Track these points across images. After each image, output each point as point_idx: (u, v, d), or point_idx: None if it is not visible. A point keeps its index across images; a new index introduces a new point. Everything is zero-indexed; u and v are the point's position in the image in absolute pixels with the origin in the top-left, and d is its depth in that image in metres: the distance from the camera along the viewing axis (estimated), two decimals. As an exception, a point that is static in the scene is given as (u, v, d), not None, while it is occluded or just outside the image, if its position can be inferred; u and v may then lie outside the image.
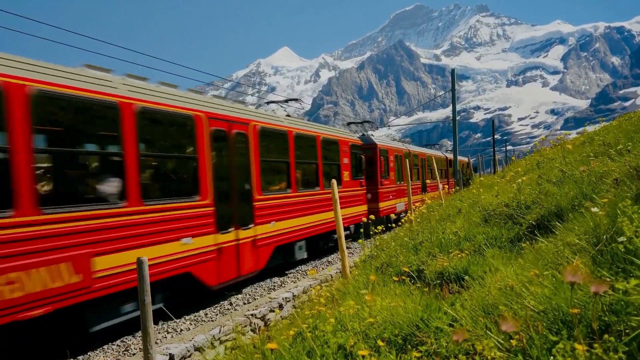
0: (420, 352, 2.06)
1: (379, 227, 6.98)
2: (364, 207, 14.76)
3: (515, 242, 3.88)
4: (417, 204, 14.33)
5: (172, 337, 6.69)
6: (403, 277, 3.85)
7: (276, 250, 9.92)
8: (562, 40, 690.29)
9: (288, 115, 12.13)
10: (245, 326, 7.03)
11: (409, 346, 2.18)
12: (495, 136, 40.63)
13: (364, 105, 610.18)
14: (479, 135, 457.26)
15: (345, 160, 13.39)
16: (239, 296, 8.75)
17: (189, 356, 5.85)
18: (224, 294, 8.77)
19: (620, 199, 2.96)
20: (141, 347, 5.93)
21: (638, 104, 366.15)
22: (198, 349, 6.12)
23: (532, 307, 1.85)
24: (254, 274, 8.83)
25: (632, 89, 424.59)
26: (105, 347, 6.43)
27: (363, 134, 17.76)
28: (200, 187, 7.57)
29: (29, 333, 5.47)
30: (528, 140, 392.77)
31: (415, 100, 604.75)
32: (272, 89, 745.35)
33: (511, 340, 1.65)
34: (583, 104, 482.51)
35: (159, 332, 6.92)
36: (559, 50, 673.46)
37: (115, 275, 5.98)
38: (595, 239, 2.33)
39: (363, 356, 1.99)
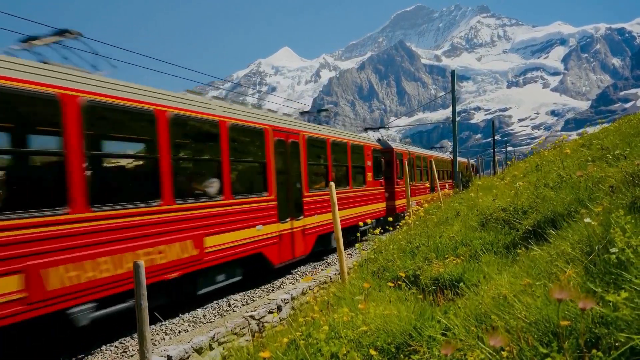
0: (413, 360, 2.06)
1: (377, 230, 7.53)
2: (383, 205, 16.68)
3: (512, 248, 3.87)
4: (425, 202, 15.67)
5: (170, 338, 6.68)
6: (399, 282, 3.85)
7: (318, 239, 11.69)
8: (563, 42, 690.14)
9: (319, 123, 14.55)
10: (244, 327, 7.03)
11: (402, 355, 2.18)
12: (496, 137, 40.67)
13: (364, 105, 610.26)
14: (479, 136, 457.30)
15: (369, 163, 15.37)
16: (238, 297, 8.76)
17: (187, 358, 5.85)
18: (222, 295, 8.81)
19: (615, 207, 2.96)
20: (140, 348, 5.97)
21: (639, 105, 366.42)
22: (196, 351, 6.13)
23: (523, 318, 1.86)
24: (304, 257, 10.26)
25: (633, 91, 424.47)
26: (104, 348, 6.42)
27: (379, 139, 19.48)
28: (268, 185, 9.55)
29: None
30: (528, 141, 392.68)
31: (415, 101, 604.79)
32: (273, 89, 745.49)
33: (502, 352, 1.65)
34: (583, 105, 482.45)
35: (157, 334, 6.91)
36: (559, 51, 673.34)
37: (215, 252, 7.94)
38: (588, 247, 2.33)
39: (356, 365, 2.00)
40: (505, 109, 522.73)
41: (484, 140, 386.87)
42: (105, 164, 6.77)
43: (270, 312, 7.65)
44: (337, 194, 11.31)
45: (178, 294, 7.66)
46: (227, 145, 8.35)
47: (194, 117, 7.72)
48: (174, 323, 7.32)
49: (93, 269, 5.81)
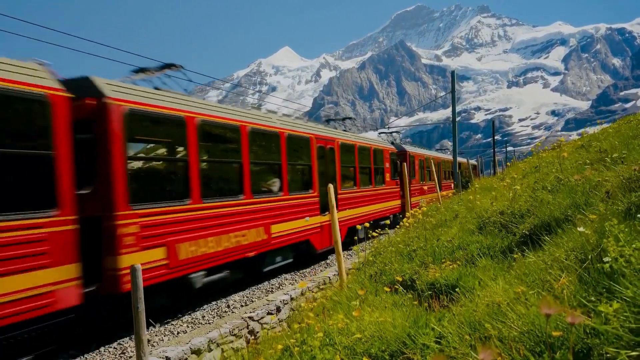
0: (407, 368, 2.06)
1: (376, 232, 7.99)
2: (399, 202, 18.69)
3: (508, 252, 3.87)
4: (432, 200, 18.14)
5: (168, 339, 6.67)
6: (396, 287, 3.84)
7: (348, 230, 13.52)
8: (563, 42, 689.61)
9: (345, 130, 16.58)
10: (242, 329, 7.03)
11: (396, 363, 2.18)
12: (496, 137, 40.69)
13: (364, 105, 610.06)
14: (479, 136, 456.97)
15: (387, 165, 17.42)
16: (237, 298, 8.76)
17: (186, 359, 5.85)
18: (221, 296, 8.82)
19: (611, 214, 2.96)
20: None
21: (639, 105, 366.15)
22: (195, 352, 6.13)
23: (516, 328, 1.86)
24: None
25: (633, 91, 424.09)
26: (102, 349, 6.42)
27: (393, 142, 21.69)
28: (313, 184, 11.66)
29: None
30: (528, 141, 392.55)
31: (416, 101, 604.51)
32: (273, 89, 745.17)
33: (494, 362, 1.65)
34: (584, 105, 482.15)
35: (156, 335, 6.91)
36: (560, 51, 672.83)
37: (278, 237, 9.95)
38: (583, 255, 2.33)
39: (349, 372, 2.00)
40: (506, 109, 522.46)
41: (484, 140, 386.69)
42: (210, 168, 8.53)
43: (269, 313, 7.65)
44: (362, 191, 14.92)
45: (250, 270, 9.62)
46: (285, 152, 10.42)
47: (264, 130, 9.83)
48: (172, 324, 7.33)
49: (203, 246, 7.73)
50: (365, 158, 15.36)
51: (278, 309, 7.89)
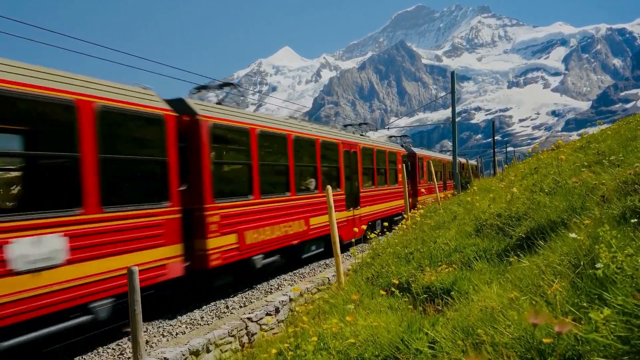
0: (400, 373, 2.06)
1: (374, 233, 8.41)
2: (410, 200, 20.64)
3: (504, 256, 3.87)
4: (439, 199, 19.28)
5: (167, 340, 6.67)
6: (392, 289, 3.85)
7: (369, 224, 14.90)
8: (564, 42, 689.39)
9: (362, 135, 17.97)
10: (241, 330, 7.03)
11: (389, 368, 2.18)
12: (496, 137, 40.76)
13: (364, 105, 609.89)
14: (479, 136, 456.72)
15: (399, 166, 19.29)
16: (235, 299, 8.76)
17: (184, 360, 5.85)
18: (220, 297, 8.84)
19: (607, 217, 2.97)
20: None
21: (639, 106, 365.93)
22: (193, 353, 6.13)
23: (507, 334, 1.86)
24: (360, 237, 12.37)
25: (634, 91, 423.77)
26: (101, 350, 6.43)
27: (402, 145, 23.75)
28: (340, 183, 13.30)
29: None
30: (529, 141, 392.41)
31: (416, 101, 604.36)
32: (274, 89, 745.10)
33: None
34: (584, 105, 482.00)
35: (155, 336, 6.91)
36: (560, 51, 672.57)
37: (314, 229, 11.65)
38: (577, 260, 2.33)
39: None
40: (506, 109, 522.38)
41: (485, 141, 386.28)
42: (266, 170, 10.02)
43: (268, 314, 7.66)
44: (379, 190, 16.84)
45: (292, 257, 11.11)
46: (319, 155, 12.11)
47: (303, 137, 11.56)
48: (171, 325, 7.33)
49: (262, 234, 9.44)
50: (381, 160, 17.23)
51: (277, 310, 7.89)
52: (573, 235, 2.41)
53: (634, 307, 1.48)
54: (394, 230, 10.61)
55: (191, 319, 7.60)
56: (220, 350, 6.55)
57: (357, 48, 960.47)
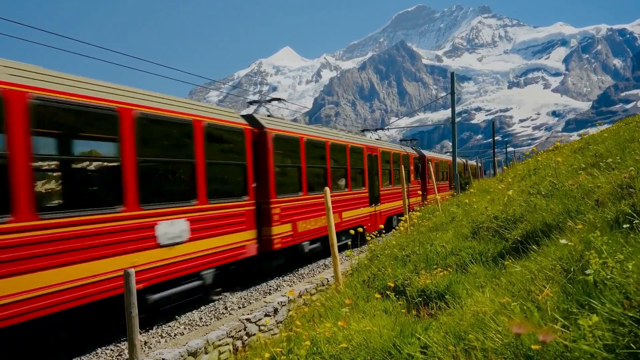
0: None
1: (373, 234, 8.72)
2: (420, 199, 22.59)
3: (498, 259, 3.87)
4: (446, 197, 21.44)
5: (165, 341, 6.68)
6: (388, 292, 3.85)
7: (387, 219, 17.48)
8: (564, 42, 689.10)
9: (378, 139, 20.41)
10: (240, 331, 7.03)
11: (381, 372, 2.18)
12: (497, 137, 40.81)
13: (365, 105, 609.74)
14: (480, 136, 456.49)
15: (412, 167, 21.84)
16: (234, 300, 8.77)
17: (182, 361, 5.85)
18: (220, 298, 8.85)
19: (600, 222, 2.97)
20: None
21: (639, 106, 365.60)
22: (192, 354, 6.13)
23: (498, 339, 1.86)
24: (381, 229, 14.19)
25: (634, 91, 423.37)
26: (99, 351, 6.43)
27: (414, 147, 26.30)
28: (364, 183, 15.36)
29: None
30: (529, 141, 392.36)
31: (416, 101, 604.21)
32: (274, 89, 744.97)
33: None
34: (584, 106, 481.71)
35: (153, 337, 6.92)
36: (560, 52, 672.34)
37: (345, 221, 13.62)
38: (569, 265, 2.33)
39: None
40: (506, 110, 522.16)
41: (485, 141, 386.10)
42: (310, 171, 11.95)
43: (267, 315, 7.66)
44: (396, 189, 19.06)
45: (328, 245, 12.02)
46: (349, 159, 14.20)
47: (337, 144, 13.54)
48: (170, 326, 7.33)
49: (308, 224, 11.49)
50: (397, 162, 19.54)
51: (275, 311, 7.89)
52: (563, 241, 2.41)
53: (620, 315, 1.48)
54: (393, 231, 11.26)
55: (190, 320, 7.60)
56: (219, 351, 6.56)
57: (357, 48, 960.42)
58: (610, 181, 3.85)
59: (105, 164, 6.85)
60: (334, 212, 11.71)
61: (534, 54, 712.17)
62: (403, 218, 9.51)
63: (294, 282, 10.36)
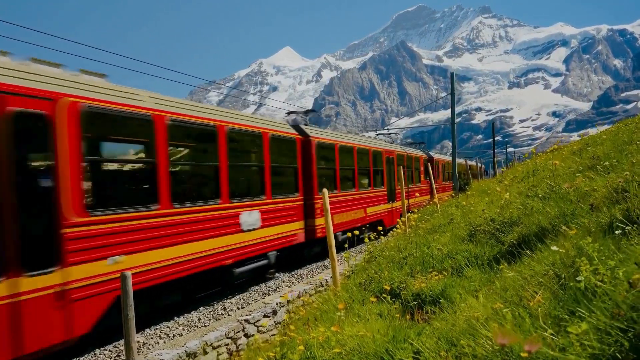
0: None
1: (372, 235, 9.25)
2: (428, 197, 24.48)
3: (494, 263, 3.87)
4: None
5: (164, 342, 6.68)
6: (384, 295, 3.86)
7: (401, 215, 20.25)
8: (565, 43, 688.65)
9: (391, 142, 23.16)
10: (238, 331, 7.04)
11: (373, 378, 2.18)
12: (497, 138, 40.85)
13: (365, 105, 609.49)
14: (480, 136, 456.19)
15: (422, 168, 24.02)
16: (233, 301, 8.77)
17: (180, 363, 5.85)
18: (219, 300, 8.87)
19: (594, 226, 2.98)
20: (138, 353, 6.03)
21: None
22: (190, 355, 6.14)
23: (489, 346, 1.87)
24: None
25: (634, 92, 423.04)
26: (97, 352, 6.43)
27: (420, 149, 28.28)
28: (384, 182, 17.50)
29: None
30: (529, 142, 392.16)
31: (416, 101, 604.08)
32: (274, 89, 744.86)
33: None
34: (585, 106, 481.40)
35: (152, 338, 6.92)
36: (561, 52, 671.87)
37: (369, 216, 15.70)
38: (561, 271, 2.33)
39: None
40: (507, 110, 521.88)
41: (485, 141, 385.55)
42: (343, 173, 14.00)
43: (265, 316, 7.66)
44: (410, 187, 21.27)
45: (354, 236, 13.63)
46: (371, 161, 16.25)
47: (362, 148, 15.64)
48: (168, 327, 7.33)
49: (341, 218, 13.39)
50: (410, 163, 21.93)
51: (274, 312, 7.90)
52: (554, 247, 2.41)
53: (606, 325, 1.49)
54: (392, 231, 11.80)
55: (188, 321, 7.60)
56: (217, 352, 6.56)
57: (357, 48, 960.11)
58: (607, 185, 3.85)
59: (210, 168, 8.69)
60: (361, 208, 15.11)
61: (535, 54, 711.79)
62: (401, 220, 9.75)
63: (293, 282, 10.36)
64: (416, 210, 17.76)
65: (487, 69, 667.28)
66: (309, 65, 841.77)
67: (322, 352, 2.48)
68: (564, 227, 3.21)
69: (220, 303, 8.62)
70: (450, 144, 25.81)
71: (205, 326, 7.28)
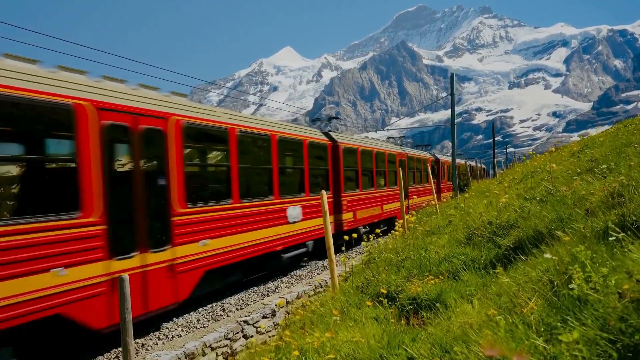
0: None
1: (371, 236, 8.99)
2: (435, 195, 25.29)
3: (490, 267, 3.87)
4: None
5: (163, 343, 6.68)
6: (380, 299, 3.86)
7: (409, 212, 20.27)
8: (565, 43, 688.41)
9: (401, 145, 24.51)
10: (237, 333, 7.04)
11: (368, 384, 2.19)
12: (497, 138, 41.02)
13: (365, 105, 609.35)
14: (480, 137, 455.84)
15: (429, 169, 26.17)
16: (232, 301, 8.76)
17: (179, 364, 5.84)
18: (218, 299, 8.88)
19: (589, 232, 2.98)
20: (137, 355, 6.05)
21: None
22: (188, 356, 6.14)
23: (480, 353, 1.88)
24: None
25: (635, 92, 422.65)
26: (98, 353, 6.43)
27: (429, 152, 30.61)
28: (397, 181, 18.04)
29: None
30: (530, 142, 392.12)
31: (417, 102, 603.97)
32: (275, 89, 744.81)
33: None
34: (585, 106, 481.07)
35: (151, 339, 6.92)
36: (561, 52, 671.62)
37: (385, 213, 17.60)
38: (554, 278, 2.34)
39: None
40: (507, 110, 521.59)
41: (486, 141, 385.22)
42: (364, 173, 16.00)
43: (264, 317, 7.66)
44: (419, 187, 24.19)
45: (371, 230, 15.22)
46: (387, 163, 17.98)
47: (379, 152, 17.52)
48: (167, 328, 7.33)
49: (363, 214, 15.19)
50: (419, 164, 23.77)
51: (273, 313, 7.90)
52: (547, 255, 2.42)
53: (595, 335, 1.50)
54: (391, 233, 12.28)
55: (187, 322, 7.61)
56: (216, 353, 6.56)
57: (358, 48, 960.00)
58: (603, 189, 3.85)
59: (266, 170, 10.26)
60: (378, 205, 16.96)
61: (535, 55, 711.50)
62: (399, 222, 9.86)
63: (292, 283, 10.37)
64: (425, 205, 20.68)
65: (488, 69, 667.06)
66: (309, 65, 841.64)
67: (318, 358, 2.49)
68: (559, 233, 3.22)
69: (219, 304, 8.62)
70: (450, 144, 26.17)
71: (204, 327, 7.28)
